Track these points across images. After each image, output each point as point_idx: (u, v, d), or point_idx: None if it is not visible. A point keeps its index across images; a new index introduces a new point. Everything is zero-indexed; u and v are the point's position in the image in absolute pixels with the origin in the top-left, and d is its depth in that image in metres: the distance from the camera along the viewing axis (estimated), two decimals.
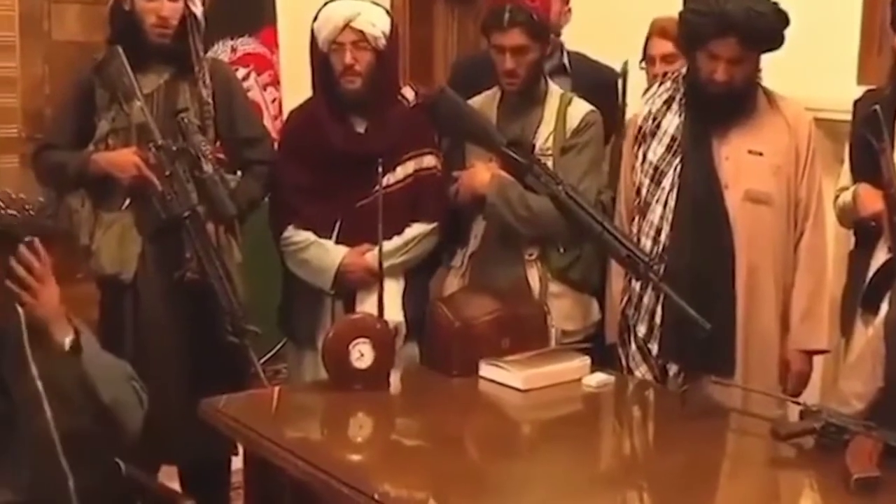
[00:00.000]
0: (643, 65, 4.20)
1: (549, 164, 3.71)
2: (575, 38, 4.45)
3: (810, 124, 3.64)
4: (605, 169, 3.95)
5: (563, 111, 3.78)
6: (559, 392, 3.33)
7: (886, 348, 3.04)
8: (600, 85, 4.23)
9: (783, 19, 3.44)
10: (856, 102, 3.86)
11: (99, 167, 3.71)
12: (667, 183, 3.59)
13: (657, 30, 4.16)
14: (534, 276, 3.75)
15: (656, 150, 3.64)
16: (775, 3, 3.45)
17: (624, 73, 3.97)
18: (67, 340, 2.78)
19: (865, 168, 3.62)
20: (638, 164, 3.69)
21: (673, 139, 3.61)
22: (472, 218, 3.82)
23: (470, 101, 3.85)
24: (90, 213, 3.75)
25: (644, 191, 3.65)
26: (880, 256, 3.62)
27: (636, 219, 3.69)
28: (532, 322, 3.54)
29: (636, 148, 3.71)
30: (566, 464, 2.88)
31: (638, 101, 3.93)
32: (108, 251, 3.72)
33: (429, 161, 3.83)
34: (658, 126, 3.65)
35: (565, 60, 4.30)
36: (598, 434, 3.15)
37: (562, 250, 3.76)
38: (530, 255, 3.76)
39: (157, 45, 3.75)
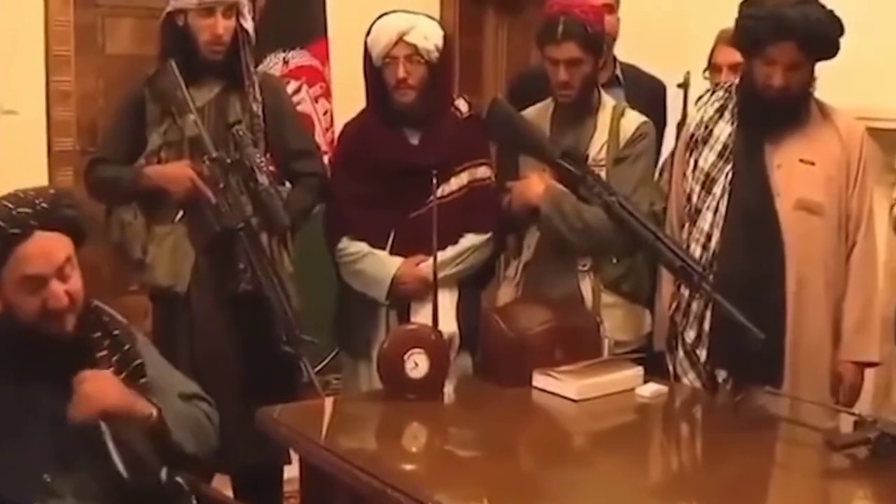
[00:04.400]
0: (706, 74, 4.17)
1: (602, 174, 3.71)
2: (624, 49, 4.46)
3: (863, 136, 3.61)
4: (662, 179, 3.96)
5: (616, 122, 3.78)
6: (612, 402, 3.34)
7: None
8: (651, 97, 4.24)
9: (839, 27, 3.43)
10: None
11: (152, 181, 3.74)
12: (718, 190, 3.58)
13: (724, 39, 4.13)
14: (587, 286, 3.75)
15: (707, 157, 3.63)
16: (831, 11, 3.43)
17: (686, 84, 3.95)
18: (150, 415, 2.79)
19: None
20: (689, 170, 3.68)
21: (725, 146, 3.60)
22: (525, 229, 3.83)
23: (523, 113, 3.86)
24: (143, 227, 3.77)
25: (695, 197, 3.64)
26: None
27: (686, 225, 3.68)
28: (585, 333, 3.54)
29: (687, 155, 3.70)
30: (619, 474, 2.88)
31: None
32: (162, 264, 3.75)
33: (482, 172, 3.85)
34: (710, 133, 3.64)
35: (618, 72, 4.31)
36: (651, 444, 3.15)
37: (615, 261, 3.76)
38: (583, 265, 3.76)
39: (209, 61, 3.78)
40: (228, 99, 3.81)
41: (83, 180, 3.95)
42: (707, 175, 3.62)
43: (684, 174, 3.71)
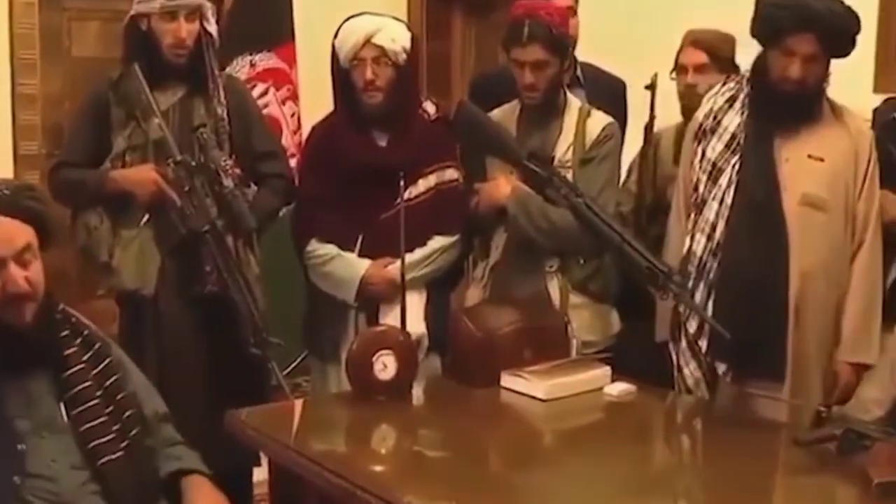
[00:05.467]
0: (673, 75, 4.18)
1: (569, 176, 3.72)
2: (592, 51, 4.48)
3: (871, 139, 3.58)
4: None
5: (582, 123, 3.79)
6: (580, 402, 3.34)
7: None
8: (612, 96, 4.25)
9: (858, 23, 3.41)
10: (875, 111, 3.87)
11: (117, 184, 3.74)
12: (724, 180, 3.56)
13: (691, 40, 4.14)
14: (554, 287, 3.77)
15: (715, 147, 3.60)
16: (850, 7, 3.41)
17: (653, 86, 3.96)
18: None
19: (885, 175, 3.59)
20: (697, 160, 3.65)
21: (733, 137, 3.57)
22: (493, 230, 3.84)
23: (490, 115, 3.87)
24: (109, 230, 3.77)
25: (701, 187, 3.62)
26: None
27: (692, 215, 3.67)
28: (553, 333, 3.55)
29: (696, 144, 3.67)
30: (588, 473, 2.89)
31: (668, 113, 3.97)
32: (128, 267, 3.75)
33: (450, 174, 3.86)
34: (719, 123, 3.61)
35: (578, 73, 4.32)
36: (620, 443, 3.15)
37: (582, 262, 3.77)
38: (551, 266, 3.77)
39: (173, 65, 3.78)
40: (193, 102, 3.82)
41: (47, 184, 3.93)
42: (714, 165, 3.60)
43: (692, 163, 3.69)
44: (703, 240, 3.58)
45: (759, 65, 3.56)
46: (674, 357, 3.70)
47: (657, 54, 4.21)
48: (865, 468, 2.68)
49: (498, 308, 3.60)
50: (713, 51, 4.08)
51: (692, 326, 3.61)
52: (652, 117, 4.01)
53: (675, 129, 4.18)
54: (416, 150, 3.80)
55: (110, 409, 2.77)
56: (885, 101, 3.99)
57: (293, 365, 5.13)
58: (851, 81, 3.59)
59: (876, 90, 4.64)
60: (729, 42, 4.11)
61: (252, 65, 5.78)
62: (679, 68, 4.17)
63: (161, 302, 3.78)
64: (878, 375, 3.20)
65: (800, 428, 3.12)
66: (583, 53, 4.41)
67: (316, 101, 4.42)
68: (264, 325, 3.69)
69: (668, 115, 4.15)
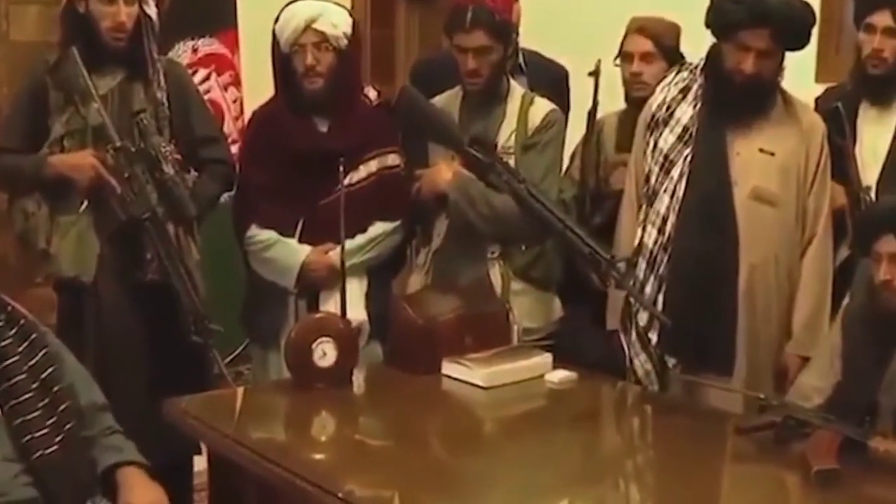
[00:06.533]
0: (617, 62, 4.16)
1: (511, 162, 3.71)
2: (536, 37, 4.47)
3: (823, 133, 3.59)
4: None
5: (525, 110, 3.79)
6: (521, 389, 3.34)
7: (843, 343, 3.07)
8: (555, 83, 4.24)
9: (812, 17, 3.43)
10: (817, 100, 3.88)
11: (56, 170, 3.69)
12: (676, 173, 3.57)
13: (636, 27, 4.13)
14: (496, 274, 3.76)
15: (667, 139, 3.61)
16: (807, 2, 3.43)
17: (597, 73, 3.95)
18: None
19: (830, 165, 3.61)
20: (649, 150, 3.66)
21: (685, 129, 3.58)
22: (435, 216, 3.82)
23: (433, 101, 3.85)
24: (47, 217, 3.72)
25: (653, 178, 3.63)
26: (843, 252, 3.64)
27: (643, 207, 3.67)
28: (494, 320, 3.55)
29: (648, 135, 3.68)
30: (529, 460, 2.89)
31: (610, 100, 3.99)
32: (67, 254, 3.70)
33: (392, 160, 3.84)
34: (671, 115, 3.62)
35: (521, 59, 4.31)
36: (561, 430, 3.15)
37: (524, 249, 3.77)
38: (492, 253, 3.77)
39: (112, 48, 3.73)
40: (132, 87, 3.77)
41: None
42: (666, 157, 3.60)
43: (644, 153, 3.69)
44: (655, 232, 3.59)
45: (713, 57, 3.57)
46: (625, 346, 3.70)
47: (600, 41, 4.20)
48: (805, 455, 2.70)
49: (439, 295, 3.60)
50: (659, 39, 4.07)
51: (643, 319, 3.62)
52: (595, 104, 4.00)
53: (617, 115, 4.18)
54: (357, 136, 3.77)
55: (46, 401, 2.74)
56: (826, 90, 4.00)
57: (236, 353, 5.10)
58: (793, 71, 3.60)
59: (818, 80, 4.67)
60: (674, 31, 4.11)
61: (194, 50, 5.74)
62: (624, 56, 4.16)
63: (100, 289, 3.74)
64: (819, 363, 3.21)
65: (739, 417, 3.13)
66: (525, 40, 4.39)
67: (258, 87, 4.38)
68: (205, 313, 3.66)
69: (611, 101, 4.14)
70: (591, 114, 4.03)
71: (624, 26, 4.19)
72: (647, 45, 4.08)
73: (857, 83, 3.77)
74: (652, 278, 3.58)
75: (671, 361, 3.59)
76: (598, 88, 3.97)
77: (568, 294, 3.92)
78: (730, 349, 3.51)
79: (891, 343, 2.93)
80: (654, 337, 3.60)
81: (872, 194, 3.63)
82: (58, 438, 2.71)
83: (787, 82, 3.58)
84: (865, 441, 2.74)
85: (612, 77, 4.10)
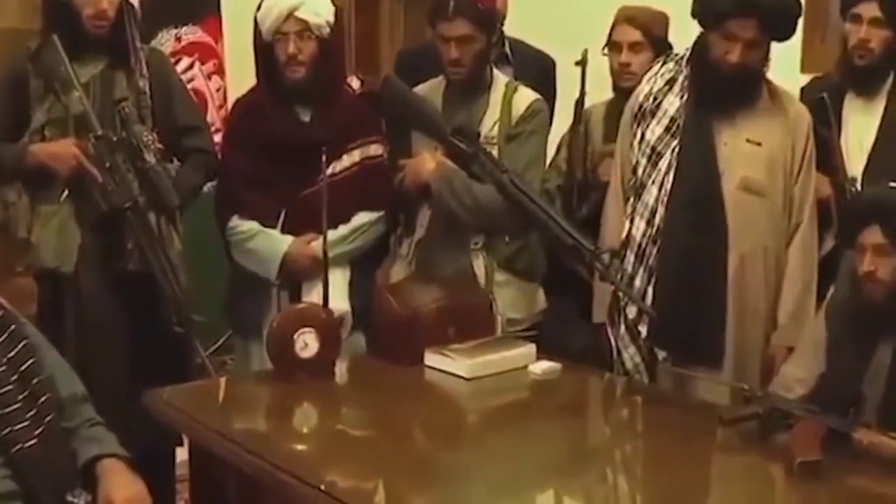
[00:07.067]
0: (605, 51, 4.14)
1: (495, 152, 3.70)
2: (522, 26, 4.45)
3: (809, 123, 3.59)
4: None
5: (508, 100, 3.77)
6: (505, 380, 3.34)
7: (827, 334, 3.07)
8: (541, 73, 4.23)
9: (799, 7, 3.43)
10: (802, 90, 3.88)
11: (37, 159, 3.66)
12: (663, 164, 3.56)
13: (624, 17, 4.11)
14: (479, 264, 3.75)
15: (655, 131, 3.60)
16: None
17: (584, 62, 3.92)
18: None
19: (815, 155, 3.60)
20: (636, 142, 3.65)
21: (672, 120, 3.57)
22: (418, 206, 3.81)
23: (416, 90, 3.84)
24: (27, 206, 3.70)
25: (640, 170, 3.61)
26: (828, 243, 3.63)
27: (631, 199, 3.66)
28: (477, 311, 3.54)
29: (635, 126, 3.66)
30: (512, 451, 2.87)
31: (598, 89, 3.97)
32: (48, 244, 3.69)
33: (375, 149, 3.83)
34: (658, 106, 3.61)
35: (507, 49, 4.29)
36: (544, 421, 3.14)
37: (507, 239, 3.75)
38: (476, 243, 3.75)
39: (94, 36, 3.71)
40: (114, 75, 3.75)
41: None
42: (653, 149, 3.59)
43: (631, 145, 3.68)
44: (643, 225, 3.58)
45: (700, 47, 3.56)
46: (612, 340, 3.68)
47: (588, 30, 4.19)
48: (788, 447, 2.69)
49: (422, 285, 3.58)
50: (647, 29, 4.06)
51: (632, 312, 3.61)
52: (582, 94, 3.99)
53: (605, 105, 4.17)
54: (340, 126, 3.76)
55: (25, 393, 2.72)
56: (812, 80, 4.00)
57: (218, 343, 5.08)
58: (779, 61, 3.59)
59: (803, 70, 4.67)
60: (663, 20, 4.10)
61: (178, 38, 5.72)
62: (612, 45, 4.14)
63: (82, 280, 3.72)
64: (802, 354, 3.21)
65: (725, 407, 3.13)
66: (512, 30, 4.37)
67: (242, 76, 4.36)
68: (187, 304, 3.65)
69: (599, 91, 4.13)
70: (579, 103, 4.02)
71: (612, 15, 4.18)
72: (635, 34, 4.07)
73: (843, 74, 3.76)
74: (641, 271, 3.57)
75: (661, 354, 3.58)
76: (585, 78, 3.95)
77: (552, 286, 3.91)
78: (719, 342, 3.51)
79: (874, 335, 2.93)
80: (643, 330, 3.59)
81: (858, 185, 3.63)
82: (38, 431, 2.69)
83: (773, 72, 3.58)
84: (850, 432, 2.73)
85: (600, 67, 4.08)
